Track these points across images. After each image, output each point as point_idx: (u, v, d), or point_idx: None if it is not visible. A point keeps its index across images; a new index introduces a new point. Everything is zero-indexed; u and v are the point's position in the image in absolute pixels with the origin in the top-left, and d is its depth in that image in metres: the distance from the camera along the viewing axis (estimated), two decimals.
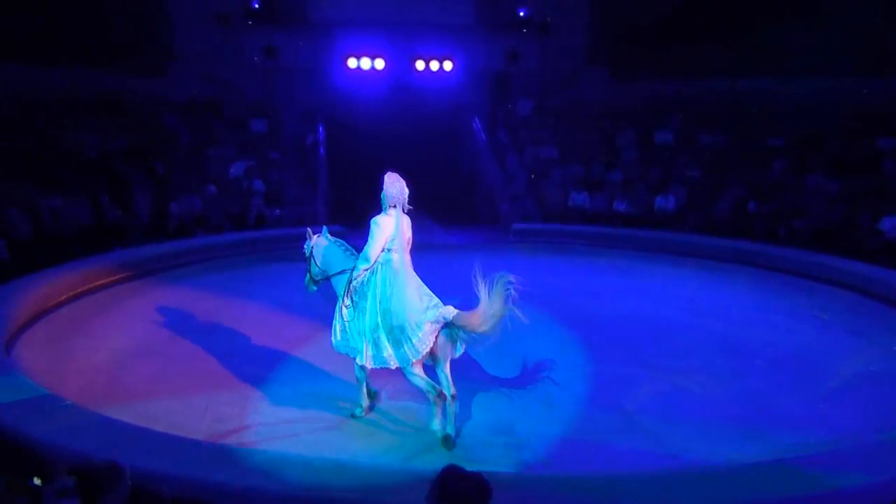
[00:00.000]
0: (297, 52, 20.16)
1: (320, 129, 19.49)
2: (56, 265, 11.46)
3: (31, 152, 15.93)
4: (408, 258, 6.62)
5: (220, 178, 17.22)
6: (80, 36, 19.41)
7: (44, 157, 15.97)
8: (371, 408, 7.02)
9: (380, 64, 19.90)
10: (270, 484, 5.05)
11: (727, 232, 15.05)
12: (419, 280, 6.59)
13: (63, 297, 10.33)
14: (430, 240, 16.26)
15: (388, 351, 6.27)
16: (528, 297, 11.13)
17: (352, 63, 19.76)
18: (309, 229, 7.21)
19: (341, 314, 6.48)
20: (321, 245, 7.00)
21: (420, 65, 20.08)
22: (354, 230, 16.09)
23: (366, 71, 19.88)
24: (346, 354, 6.59)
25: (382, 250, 6.45)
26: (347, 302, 6.44)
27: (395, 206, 6.56)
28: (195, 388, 7.64)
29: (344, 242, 7.02)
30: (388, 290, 6.35)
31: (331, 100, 20.35)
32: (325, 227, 7.21)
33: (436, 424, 6.50)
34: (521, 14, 21.04)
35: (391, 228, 6.49)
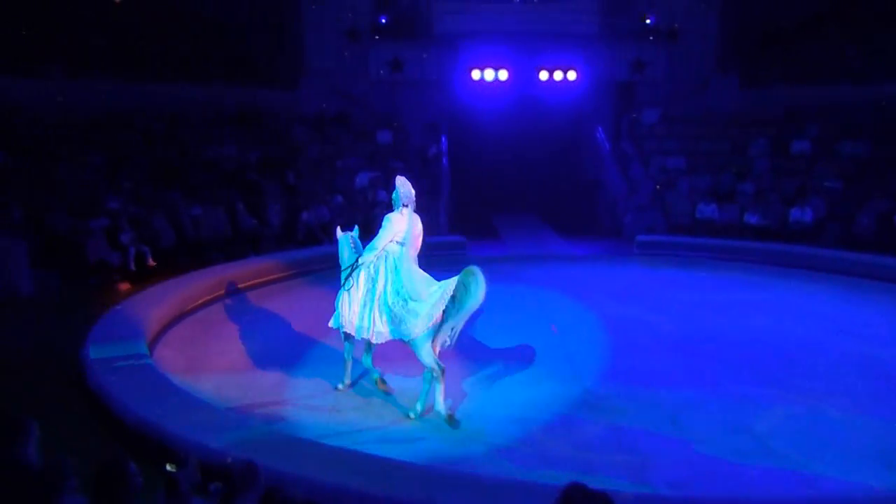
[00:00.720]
0: (422, 64, 20.49)
1: (443, 140, 19.71)
2: (195, 270, 12.10)
3: (176, 164, 16.95)
4: (414, 254, 7.35)
5: (346, 189, 17.70)
6: (223, 54, 20.55)
7: (187, 168, 16.96)
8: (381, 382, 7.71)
9: (503, 75, 19.92)
10: (392, 491, 5.12)
11: (869, 247, 14.16)
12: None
13: (201, 301, 10.87)
14: (550, 250, 16.12)
15: (405, 325, 6.92)
16: (653, 311, 10.91)
17: (475, 75, 19.88)
18: (338, 227, 8.15)
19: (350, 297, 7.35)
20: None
21: (544, 75, 19.97)
22: (475, 240, 16.19)
23: (489, 82, 19.95)
24: (351, 334, 7.43)
25: (395, 244, 7.24)
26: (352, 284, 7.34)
27: (406, 206, 7.41)
28: (321, 392, 7.85)
29: (355, 238, 7.94)
30: (399, 272, 7.10)
31: (454, 111, 20.54)
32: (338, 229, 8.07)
33: (440, 405, 6.98)
34: (648, 21, 20.59)
35: (403, 224, 7.30)
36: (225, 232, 14.96)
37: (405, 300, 7.03)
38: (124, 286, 12.80)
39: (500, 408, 7.42)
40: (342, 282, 7.54)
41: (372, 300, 7.20)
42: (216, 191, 16.46)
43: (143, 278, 12.87)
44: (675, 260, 14.99)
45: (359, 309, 7.30)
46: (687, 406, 7.46)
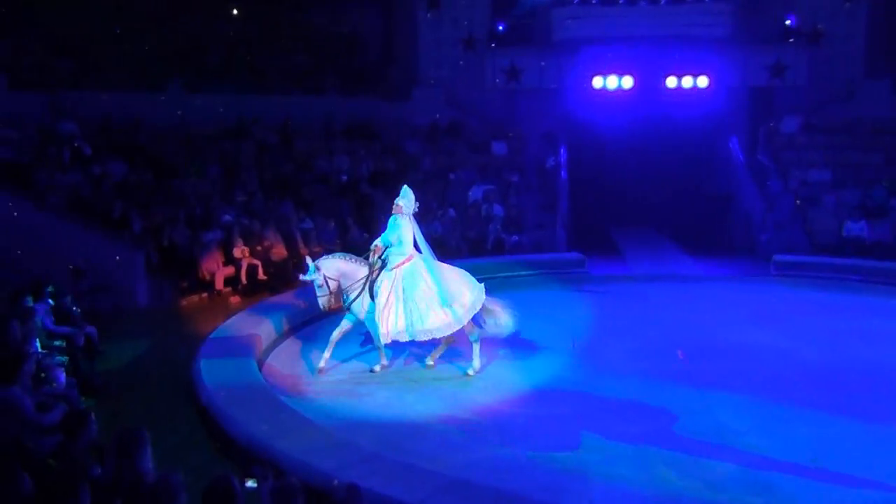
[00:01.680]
0: (541, 72, 20.41)
1: (562, 151, 19.53)
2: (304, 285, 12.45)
3: (289, 176, 17.54)
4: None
5: (459, 202, 17.81)
6: (336, 65, 21.16)
7: (300, 181, 17.51)
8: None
9: (627, 82, 19.58)
10: None
11: None
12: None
13: (310, 317, 11.11)
14: (676, 269, 15.69)
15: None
16: (793, 338, 10.37)
17: (597, 82, 19.63)
18: (307, 258, 9.30)
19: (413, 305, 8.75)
20: (331, 264, 9.09)
21: (672, 81, 19.51)
22: (594, 257, 15.93)
23: (612, 90, 19.66)
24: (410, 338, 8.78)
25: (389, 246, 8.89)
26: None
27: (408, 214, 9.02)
28: (428, 414, 7.86)
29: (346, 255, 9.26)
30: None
31: (573, 120, 20.33)
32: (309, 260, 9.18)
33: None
34: (789, 22, 19.77)
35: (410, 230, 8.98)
36: (335, 246, 15.31)
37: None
38: (235, 299, 13.31)
39: (620, 438, 7.21)
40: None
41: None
42: (327, 203, 16.90)
43: (254, 292, 13.35)
44: (818, 282, 14.25)
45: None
46: (831, 446, 7.03)
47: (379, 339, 8.94)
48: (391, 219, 9.12)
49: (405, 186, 9.34)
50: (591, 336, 10.76)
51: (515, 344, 10.20)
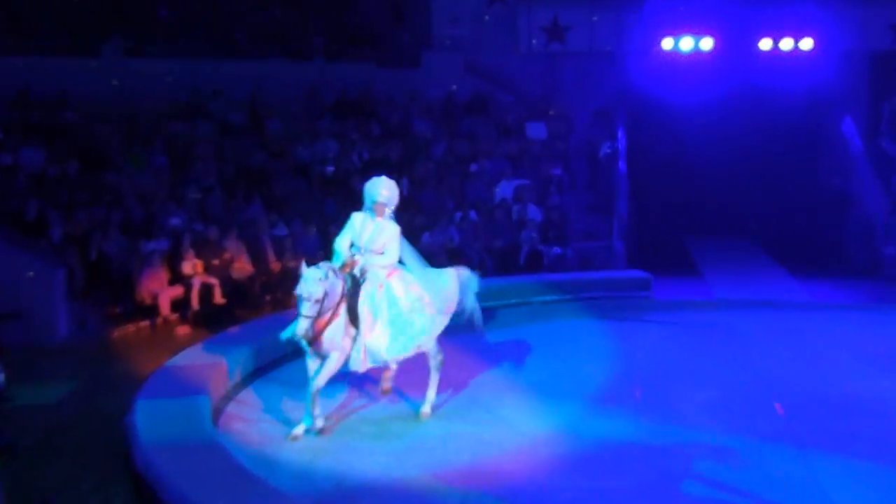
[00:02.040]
0: (592, 30, 20.41)
1: (620, 134, 19.48)
2: (276, 311, 12.38)
3: (260, 169, 17.49)
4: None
5: (482, 202, 17.77)
6: (323, 23, 21.21)
7: (272, 174, 17.48)
8: None
9: (707, 44, 19.52)
10: None
11: None
12: None
13: (283, 354, 11.04)
14: (773, 294, 15.62)
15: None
16: None
17: (667, 44, 19.57)
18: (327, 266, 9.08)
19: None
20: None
21: (765, 44, 19.43)
22: (663, 277, 15.84)
23: (686, 54, 19.60)
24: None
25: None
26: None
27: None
28: (439, 483, 7.77)
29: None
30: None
31: (636, 95, 20.29)
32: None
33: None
34: None
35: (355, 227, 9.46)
36: (318, 259, 15.25)
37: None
38: (185, 330, 13.27)
39: None
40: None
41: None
42: (308, 204, 16.89)
43: (210, 320, 13.30)
44: None
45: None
46: None
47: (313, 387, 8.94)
48: (376, 225, 9.30)
49: (380, 179, 9.48)
50: (659, 382, 10.65)
51: (554, 390, 10.17)
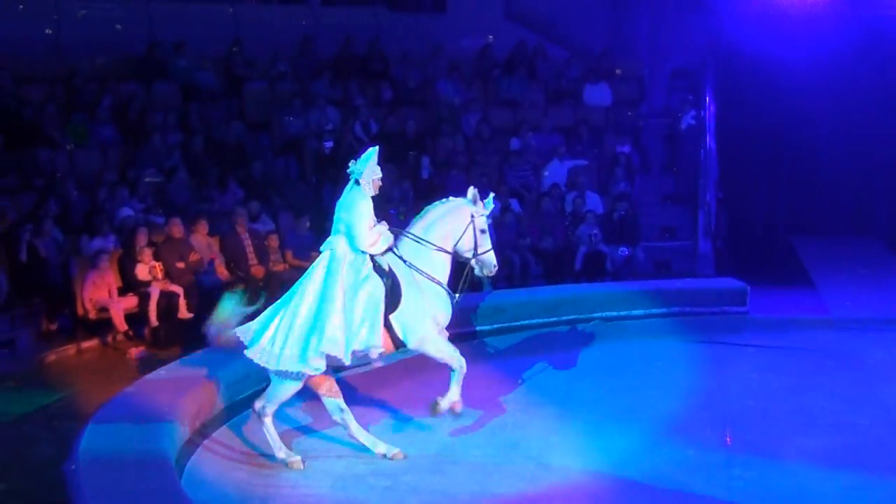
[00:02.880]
0: None
1: (709, 102, 19.45)
2: None
3: (238, 144, 17.57)
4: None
5: (527, 188, 17.81)
6: None
7: (256, 152, 17.55)
8: None
9: None
10: None
11: None
12: None
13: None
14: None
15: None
16: None
17: None
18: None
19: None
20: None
21: None
22: (763, 287, 15.80)
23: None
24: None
25: None
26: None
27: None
28: None
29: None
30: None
31: (730, 50, 20.26)
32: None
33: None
34: None
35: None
36: (312, 259, 15.40)
37: None
38: (140, 352, 13.37)
39: None
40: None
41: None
42: (300, 190, 16.98)
43: (173, 339, 13.41)
44: None
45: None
46: None
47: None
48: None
49: (369, 151, 10.28)
50: (757, 424, 10.68)
51: (616, 434, 10.24)
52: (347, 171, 10.14)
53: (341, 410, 9.59)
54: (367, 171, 10.06)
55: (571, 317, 14.44)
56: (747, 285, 15.55)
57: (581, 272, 16.38)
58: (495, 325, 14.11)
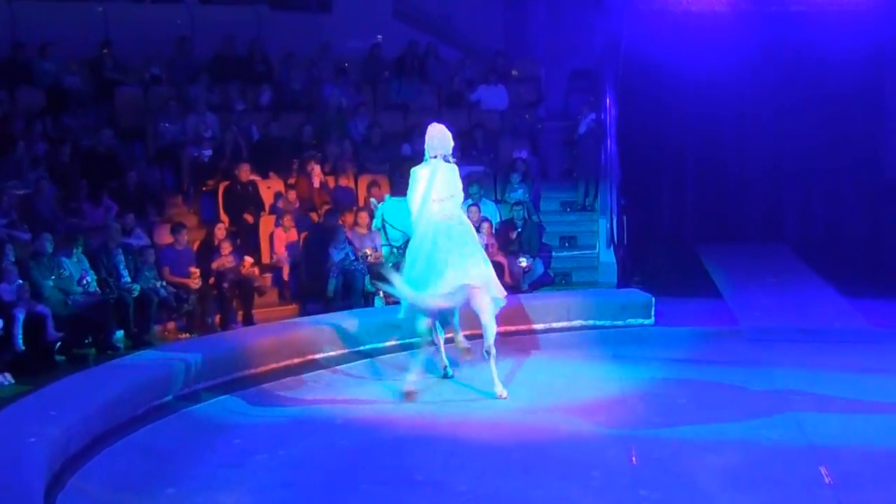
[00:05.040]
0: None
1: (610, 104, 19.58)
2: (133, 350, 12.30)
3: (109, 153, 17.36)
4: (452, 211, 12.21)
5: None
6: None
7: (129, 162, 17.38)
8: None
9: None
10: None
11: None
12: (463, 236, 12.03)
13: (146, 409, 11.03)
14: (822, 321, 15.74)
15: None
16: None
17: None
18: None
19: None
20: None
21: None
22: (668, 297, 15.93)
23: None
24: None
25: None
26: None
27: (435, 157, 12.39)
28: None
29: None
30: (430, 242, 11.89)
31: (631, 50, 20.44)
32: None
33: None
34: None
35: (425, 180, 12.19)
36: (193, 279, 15.27)
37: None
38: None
39: None
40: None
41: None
42: (178, 202, 16.83)
43: (39, 365, 13.18)
44: None
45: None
46: None
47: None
48: (448, 170, 12.42)
49: (432, 127, 12.93)
50: (664, 444, 10.73)
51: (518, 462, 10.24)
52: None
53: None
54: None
55: (467, 332, 14.45)
56: (652, 296, 15.73)
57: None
58: (388, 343, 14.11)
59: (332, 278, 16.08)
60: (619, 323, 15.26)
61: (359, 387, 13.03)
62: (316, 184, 17.88)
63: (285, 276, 16.84)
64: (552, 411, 11.56)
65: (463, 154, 18.60)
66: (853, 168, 20.29)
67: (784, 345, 14.63)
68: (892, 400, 12.04)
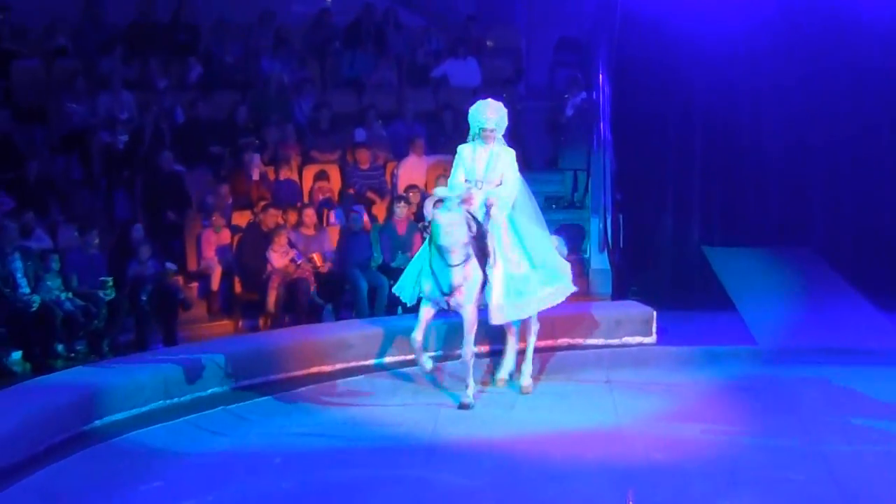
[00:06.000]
0: None
1: (602, 82, 19.67)
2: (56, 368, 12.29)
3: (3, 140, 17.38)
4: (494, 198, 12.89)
5: (375, 191, 17.84)
6: None
7: (30, 150, 17.38)
8: None
9: None
10: None
11: None
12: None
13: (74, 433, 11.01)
14: (854, 340, 15.77)
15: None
16: None
17: None
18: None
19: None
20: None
21: None
22: (671, 311, 15.99)
23: None
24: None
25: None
26: None
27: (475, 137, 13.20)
28: None
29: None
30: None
31: (627, 16, 20.53)
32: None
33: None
34: None
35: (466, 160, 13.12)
36: (102, 285, 15.26)
37: None
38: None
39: None
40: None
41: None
42: (87, 198, 16.82)
43: None
44: None
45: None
46: None
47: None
48: (490, 153, 13.23)
49: (484, 101, 13.57)
50: (666, 482, 10.75)
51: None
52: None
53: None
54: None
55: (438, 353, 14.46)
56: (653, 310, 15.79)
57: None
58: (340, 365, 14.11)
59: (272, 289, 16.06)
60: (615, 341, 15.24)
61: (305, 415, 13.03)
62: (254, 176, 17.84)
63: (214, 286, 16.76)
64: (534, 445, 11.56)
65: (428, 141, 18.72)
66: (893, 159, 20.39)
67: (810, 367, 14.73)
68: None
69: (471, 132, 13.33)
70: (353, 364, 14.14)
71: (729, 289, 18.09)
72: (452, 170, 13.22)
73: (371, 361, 13.93)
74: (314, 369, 14.02)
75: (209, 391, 13.10)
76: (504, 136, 19.01)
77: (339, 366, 14.12)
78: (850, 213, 19.75)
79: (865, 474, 10.97)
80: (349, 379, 13.99)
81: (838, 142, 19.99)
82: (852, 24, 19.68)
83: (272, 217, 16.74)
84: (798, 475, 10.93)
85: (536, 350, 13.92)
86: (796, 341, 15.73)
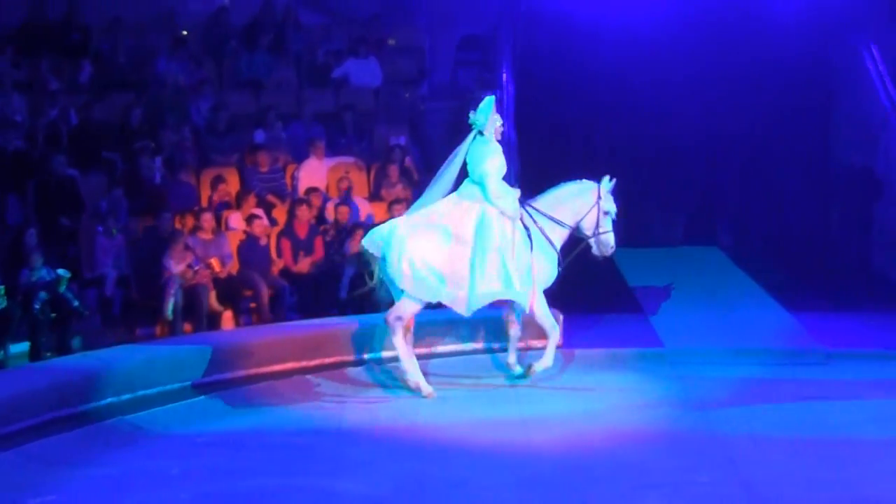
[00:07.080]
0: None
1: (507, 80, 19.70)
2: None
3: None
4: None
5: (274, 194, 17.83)
6: None
7: None
8: None
9: None
10: None
11: None
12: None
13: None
14: (759, 339, 16.02)
15: None
16: None
17: None
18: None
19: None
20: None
21: None
22: (580, 315, 16.06)
23: None
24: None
25: None
26: None
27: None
28: None
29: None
30: None
31: (532, 11, 20.57)
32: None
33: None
34: None
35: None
36: None
37: None
38: None
39: None
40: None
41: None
42: None
43: None
44: None
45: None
46: None
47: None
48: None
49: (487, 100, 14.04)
50: (576, 485, 10.69)
51: None
52: (469, 122, 13.84)
53: None
54: (490, 120, 13.82)
55: (336, 358, 14.48)
56: (560, 313, 15.82)
57: (348, 301, 16.40)
58: (240, 372, 14.13)
59: (170, 296, 16.00)
60: (521, 345, 15.13)
61: (208, 423, 12.92)
62: (156, 179, 17.78)
63: (109, 293, 16.64)
64: (439, 452, 11.56)
65: (329, 142, 18.72)
66: (800, 157, 20.57)
67: (716, 368, 14.87)
68: (841, 433, 12.26)
69: (477, 128, 13.99)
70: (256, 370, 14.13)
71: (635, 291, 18.22)
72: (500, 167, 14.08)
73: (271, 368, 13.88)
74: (217, 376, 13.97)
75: (105, 401, 13.02)
76: (403, 137, 19.24)
77: (241, 372, 14.10)
78: (757, 212, 19.96)
79: (772, 475, 11.08)
80: (254, 386, 14.03)
81: (745, 140, 20.22)
82: (757, 17, 19.90)
83: (168, 222, 16.71)
84: (704, 477, 11.03)
85: (437, 354, 14.70)
86: (703, 343, 15.86)
